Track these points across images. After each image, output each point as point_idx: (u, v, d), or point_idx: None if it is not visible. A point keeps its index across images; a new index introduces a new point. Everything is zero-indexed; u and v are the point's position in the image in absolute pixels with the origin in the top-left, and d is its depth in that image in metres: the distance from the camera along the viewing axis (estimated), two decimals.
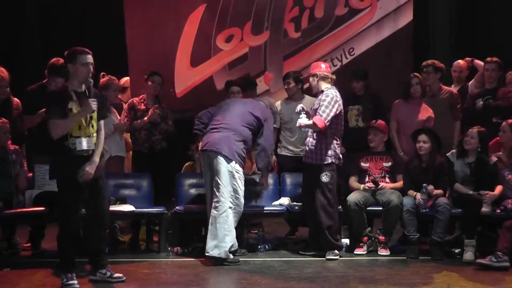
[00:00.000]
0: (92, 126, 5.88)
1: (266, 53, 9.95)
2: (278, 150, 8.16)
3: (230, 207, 6.65)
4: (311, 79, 7.23)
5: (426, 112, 7.78)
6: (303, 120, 6.97)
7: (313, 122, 6.90)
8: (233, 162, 6.67)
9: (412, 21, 9.92)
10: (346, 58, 10.00)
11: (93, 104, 5.77)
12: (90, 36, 9.78)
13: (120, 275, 6.09)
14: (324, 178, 6.99)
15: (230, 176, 6.66)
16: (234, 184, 6.67)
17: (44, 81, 7.44)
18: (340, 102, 7.06)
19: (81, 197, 5.89)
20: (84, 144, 5.80)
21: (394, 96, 8.43)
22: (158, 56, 9.79)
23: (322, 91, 7.06)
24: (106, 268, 6.08)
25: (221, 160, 6.68)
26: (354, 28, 9.99)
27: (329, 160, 7.01)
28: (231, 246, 6.68)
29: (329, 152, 7.01)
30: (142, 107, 7.91)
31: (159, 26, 9.97)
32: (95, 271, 6.08)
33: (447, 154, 7.46)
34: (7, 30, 9.91)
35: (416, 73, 7.91)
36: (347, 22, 10.01)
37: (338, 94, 7.07)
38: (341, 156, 7.16)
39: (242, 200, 6.74)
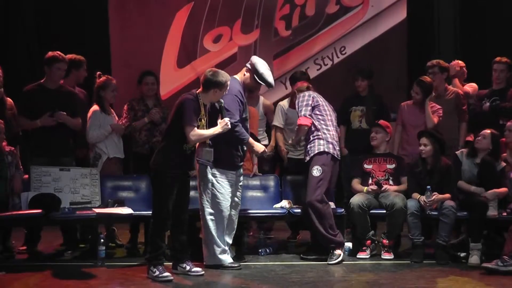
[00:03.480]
0: None
1: (256, 53, 9.87)
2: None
3: (211, 213, 6.54)
4: (295, 99, 7.22)
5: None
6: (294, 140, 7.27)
7: (298, 124, 7.03)
8: (208, 167, 6.52)
9: (406, 19, 9.86)
10: (338, 57, 9.99)
11: (229, 122, 6.27)
12: (87, 35, 9.75)
13: (199, 269, 6.37)
14: (315, 172, 6.91)
15: (205, 182, 6.54)
16: (212, 189, 6.52)
17: (42, 80, 7.38)
18: (313, 94, 7.11)
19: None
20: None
21: (386, 96, 8.35)
22: (143, 56, 9.72)
23: None
24: (186, 263, 6.35)
25: (199, 168, 6.59)
26: (346, 27, 9.99)
27: (321, 149, 6.94)
28: (221, 251, 6.57)
29: (321, 142, 6.97)
30: (142, 107, 7.80)
31: (145, 24, 9.89)
32: (176, 265, 6.38)
33: (456, 152, 7.38)
34: (2, 30, 9.84)
35: (421, 82, 7.72)
36: (338, 20, 10.02)
37: (308, 92, 7.15)
38: (337, 147, 7.09)
39: (225, 203, 6.55)
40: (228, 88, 6.34)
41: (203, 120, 6.29)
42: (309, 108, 7.02)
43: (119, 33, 9.86)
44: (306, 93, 7.12)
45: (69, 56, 7.55)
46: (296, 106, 7.11)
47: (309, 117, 7.00)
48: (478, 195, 7.05)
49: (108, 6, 9.89)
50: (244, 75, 6.70)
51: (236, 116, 6.47)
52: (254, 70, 6.63)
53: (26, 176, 7.12)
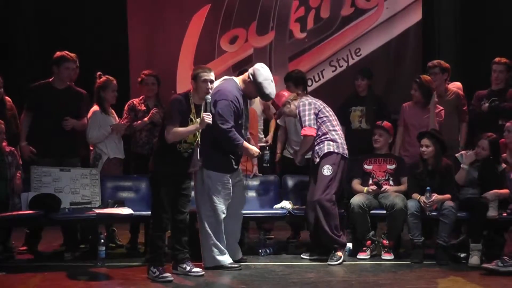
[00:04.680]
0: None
1: (271, 55, 9.94)
2: (284, 151, 8.07)
3: (208, 216, 6.53)
4: (286, 109, 7.18)
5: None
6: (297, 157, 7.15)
7: (303, 135, 7.00)
8: (204, 169, 6.50)
9: (421, 21, 9.84)
10: (353, 58, 10.01)
11: (207, 118, 6.10)
12: (87, 35, 9.79)
13: (199, 269, 6.36)
14: (326, 171, 6.92)
15: (203, 185, 6.53)
16: (209, 192, 6.51)
17: (50, 79, 7.40)
18: (312, 100, 7.10)
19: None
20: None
21: (403, 98, 8.33)
22: (160, 57, 9.80)
23: (298, 107, 7.11)
24: (186, 263, 6.34)
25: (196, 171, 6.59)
26: (361, 28, 10.02)
27: (331, 149, 6.95)
28: (220, 252, 6.56)
29: (330, 143, 6.98)
30: (143, 107, 7.81)
31: (162, 26, 9.99)
32: (176, 266, 6.38)
33: (456, 155, 7.38)
34: (2, 29, 9.80)
35: (417, 78, 7.72)
36: (353, 22, 10.06)
37: (307, 97, 7.15)
38: (345, 146, 7.08)
39: (220, 206, 6.53)
40: (205, 80, 6.19)
41: (194, 119, 6.23)
42: (312, 116, 6.98)
43: (137, 35, 9.94)
44: (306, 102, 7.07)
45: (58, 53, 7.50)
46: (298, 117, 7.06)
47: (314, 126, 6.97)
48: (479, 196, 7.05)
49: (126, 9, 9.96)
50: (244, 81, 6.63)
51: (229, 122, 6.39)
52: (254, 79, 6.56)
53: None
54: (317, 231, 6.98)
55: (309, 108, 7.01)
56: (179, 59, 10.06)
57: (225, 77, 6.88)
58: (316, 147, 7.03)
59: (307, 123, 6.97)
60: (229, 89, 6.51)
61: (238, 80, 6.70)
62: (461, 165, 7.19)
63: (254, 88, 6.58)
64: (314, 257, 7.05)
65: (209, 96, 6.24)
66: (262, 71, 6.56)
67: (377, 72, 8.50)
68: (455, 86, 8.17)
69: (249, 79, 6.59)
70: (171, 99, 6.28)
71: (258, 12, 10.10)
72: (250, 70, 6.62)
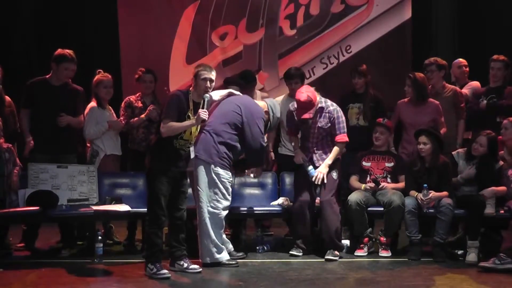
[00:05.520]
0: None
1: (261, 51, 9.91)
2: (278, 149, 8.08)
3: (209, 212, 6.51)
4: (312, 109, 7.02)
5: (430, 108, 7.63)
6: (318, 170, 7.00)
7: (343, 141, 7.03)
8: (212, 165, 6.49)
9: (411, 19, 9.86)
10: (343, 55, 10.01)
11: (203, 114, 6.11)
12: (85, 33, 9.79)
13: (197, 266, 6.37)
14: (335, 175, 7.00)
15: (207, 180, 6.51)
16: (214, 189, 6.50)
17: (48, 76, 7.36)
18: (336, 105, 7.17)
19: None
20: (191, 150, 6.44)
21: (392, 95, 8.34)
22: (152, 53, 9.78)
23: (322, 108, 7.04)
24: (184, 260, 6.36)
25: (198, 164, 6.55)
26: (351, 26, 10.01)
27: (339, 156, 7.07)
28: (219, 250, 6.56)
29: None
30: (140, 104, 7.80)
31: (153, 23, 9.97)
32: (173, 263, 6.41)
33: (453, 153, 7.38)
34: (0, 26, 9.79)
35: (411, 74, 7.74)
36: (343, 19, 10.05)
37: (335, 104, 7.16)
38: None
39: (224, 203, 6.54)
40: (204, 79, 6.27)
41: (191, 117, 6.25)
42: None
43: (128, 31, 9.92)
44: (337, 107, 7.08)
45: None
46: (336, 121, 7.03)
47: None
48: (476, 194, 7.06)
49: (117, 5, 9.93)
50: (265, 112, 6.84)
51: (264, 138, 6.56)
52: (273, 114, 6.89)
53: None
54: (323, 227, 6.99)
55: (342, 114, 7.11)
56: (171, 55, 10.04)
57: (232, 91, 6.95)
58: (321, 151, 7.08)
59: (346, 129, 7.07)
60: (261, 108, 6.78)
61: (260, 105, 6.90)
62: (458, 176, 7.19)
63: (270, 120, 6.90)
64: (301, 253, 7.06)
65: (208, 95, 6.28)
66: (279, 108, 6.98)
67: (367, 69, 8.50)
68: (472, 85, 8.21)
69: (267, 110, 6.88)
70: (170, 95, 6.29)
71: (248, 9, 10.08)
72: (270, 103, 6.94)
